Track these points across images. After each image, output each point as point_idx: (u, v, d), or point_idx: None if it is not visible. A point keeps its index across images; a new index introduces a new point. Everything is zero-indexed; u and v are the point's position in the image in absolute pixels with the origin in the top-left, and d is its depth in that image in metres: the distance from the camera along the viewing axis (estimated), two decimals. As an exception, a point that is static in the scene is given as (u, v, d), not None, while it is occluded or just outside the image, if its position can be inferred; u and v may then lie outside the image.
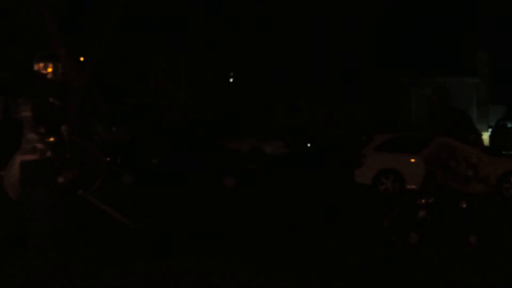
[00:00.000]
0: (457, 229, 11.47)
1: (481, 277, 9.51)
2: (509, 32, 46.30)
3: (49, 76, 9.82)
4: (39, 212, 9.59)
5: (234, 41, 41.31)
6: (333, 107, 44.01)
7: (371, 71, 44.65)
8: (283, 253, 11.63)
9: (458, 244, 11.22)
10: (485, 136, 46.83)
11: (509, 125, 46.70)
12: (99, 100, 37.92)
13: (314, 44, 42.97)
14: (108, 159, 25.65)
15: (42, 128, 9.52)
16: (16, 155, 9.98)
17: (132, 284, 9.19)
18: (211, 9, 32.82)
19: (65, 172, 9.70)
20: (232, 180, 23.42)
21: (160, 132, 33.87)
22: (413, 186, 23.41)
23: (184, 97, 47.44)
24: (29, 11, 15.14)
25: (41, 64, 9.83)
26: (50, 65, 9.86)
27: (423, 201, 11.39)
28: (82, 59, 15.62)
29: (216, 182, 23.35)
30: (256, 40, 41.28)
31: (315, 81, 43.65)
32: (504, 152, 29.95)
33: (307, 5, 36.72)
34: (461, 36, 47.81)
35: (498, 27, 46.36)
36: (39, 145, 9.56)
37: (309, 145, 36.88)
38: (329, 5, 36.03)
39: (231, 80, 50.01)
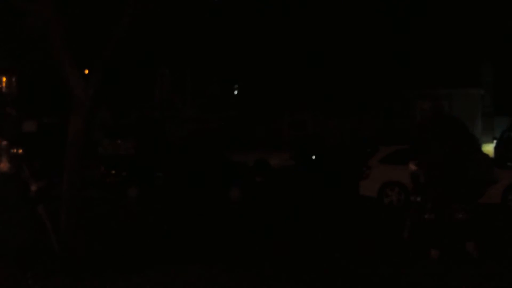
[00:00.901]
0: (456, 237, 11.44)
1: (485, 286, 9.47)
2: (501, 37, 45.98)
3: (4, 89, 9.87)
4: None
5: (240, 53, 41.32)
6: (338, 119, 43.97)
7: (377, 83, 44.65)
8: (288, 263, 11.62)
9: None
10: (490, 147, 46.76)
11: (515, 136, 46.59)
12: (104, 113, 37.94)
13: (319, 57, 42.97)
14: (113, 171, 25.73)
15: (3, 141, 9.64)
16: None
17: None
18: (216, 21, 32.83)
19: (35, 182, 9.75)
20: (237, 192, 23.39)
21: (166, 145, 33.91)
22: (418, 199, 23.39)
23: (189, 109, 47.46)
24: (33, 25, 15.11)
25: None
26: (4, 78, 9.91)
27: (427, 216, 11.38)
28: (86, 71, 15.58)
29: (222, 194, 23.32)
30: (261, 52, 41.30)
31: (321, 93, 43.69)
32: (509, 164, 29.91)
33: (311, 18, 36.78)
34: (466, 47, 47.78)
35: (503, 38, 45.95)
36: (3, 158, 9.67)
37: (314, 157, 36.89)
38: (333, 17, 36.09)
39: (236, 92, 50.03)
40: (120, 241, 14.04)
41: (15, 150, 8.64)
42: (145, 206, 21.47)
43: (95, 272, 10.60)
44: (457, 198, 11.48)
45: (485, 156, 11.46)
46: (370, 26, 39.90)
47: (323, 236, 14.34)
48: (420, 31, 44.22)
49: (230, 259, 12.15)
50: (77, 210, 14.79)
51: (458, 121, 11.63)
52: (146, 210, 20.22)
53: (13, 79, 9.44)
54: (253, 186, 24.11)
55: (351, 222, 17.43)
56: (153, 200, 22.92)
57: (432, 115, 11.37)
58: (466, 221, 11.15)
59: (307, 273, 10.77)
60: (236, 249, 13.23)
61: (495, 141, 49.12)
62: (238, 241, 14.14)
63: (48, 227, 10.15)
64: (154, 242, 14.03)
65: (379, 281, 10.54)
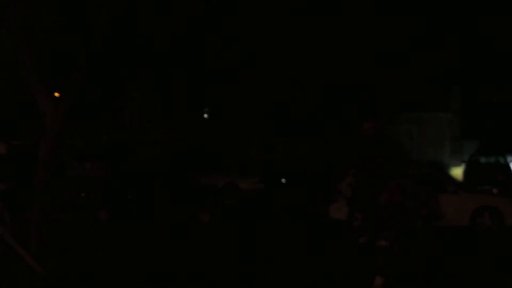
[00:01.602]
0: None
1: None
2: (480, 69, 46.31)
3: None
4: None
5: (209, 78, 41.38)
6: (308, 143, 44.03)
7: (348, 107, 44.78)
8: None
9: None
10: (459, 171, 46.99)
11: (482, 161, 46.92)
12: (74, 136, 37.85)
13: (290, 81, 42.96)
14: (83, 194, 25.67)
15: None
16: None
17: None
18: (187, 45, 32.79)
19: None
20: (207, 215, 23.42)
21: (136, 168, 33.86)
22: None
23: (159, 132, 47.43)
24: (5, 49, 15.11)
25: None
26: None
27: (382, 243, 11.15)
28: (57, 95, 15.55)
29: (192, 217, 23.33)
30: (230, 77, 41.35)
31: (291, 116, 43.74)
32: (478, 187, 30.09)
33: (281, 44, 36.74)
34: (435, 73, 48.09)
35: (470, 64, 46.29)
36: None
37: (283, 180, 36.88)
38: (308, 47, 36.09)
39: (205, 116, 50.05)
40: (88, 262, 14.03)
41: None
42: (115, 228, 21.46)
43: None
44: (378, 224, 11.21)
45: (421, 187, 11.00)
46: (348, 56, 39.99)
47: (293, 258, 14.27)
48: (394, 60, 44.45)
49: (195, 279, 12.19)
50: (46, 232, 14.78)
51: (395, 144, 11.39)
52: (116, 232, 20.20)
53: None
54: (222, 209, 24.11)
55: (315, 244, 17.43)
56: (123, 222, 22.90)
57: (371, 136, 11.25)
58: (386, 249, 10.85)
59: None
60: (202, 271, 13.26)
61: (463, 165, 49.39)
62: (205, 263, 14.17)
63: (14, 248, 10.10)
64: (123, 266, 14.02)
65: None
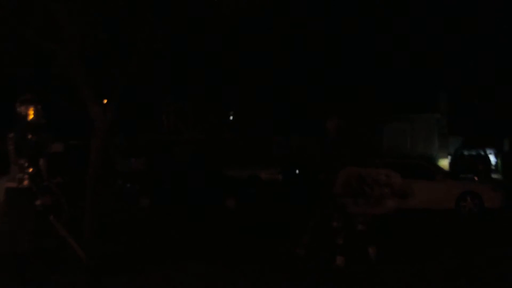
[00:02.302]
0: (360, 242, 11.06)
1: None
2: (464, 73, 46.15)
3: (29, 118, 9.82)
4: (20, 234, 9.62)
5: (234, 86, 41.31)
6: (318, 142, 43.85)
7: (351, 108, 44.62)
8: (273, 259, 11.60)
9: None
10: (446, 162, 46.85)
11: (465, 153, 46.85)
12: (120, 136, 37.86)
13: (297, 88, 42.71)
14: (128, 185, 25.70)
15: (22, 160, 9.59)
16: (1, 180, 10.11)
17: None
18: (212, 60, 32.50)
19: (41, 197, 9.71)
20: (233, 201, 23.43)
21: (171, 163, 33.86)
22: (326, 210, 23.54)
23: (191, 133, 47.38)
24: (61, 64, 15.13)
25: (23, 107, 9.83)
26: (31, 108, 9.86)
27: (335, 224, 10.99)
28: (105, 101, 15.58)
29: (220, 203, 23.36)
30: (252, 85, 41.23)
31: (302, 119, 43.55)
32: (462, 176, 30.02)
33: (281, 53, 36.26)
34: (425, 78, 47.98)
35: (457, 69, 46.20)
36: (18, 175, 9.62)
37: (297, 171, 36.80)
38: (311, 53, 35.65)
39: (231, 118, 50.00)
40: (135, 243, 14.04)
41: (31, 169, 8.62)
42: (156, 213, 21.48)
43: (115, 270, 10.59)
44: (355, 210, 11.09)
45: (380, 171, 10.79)
46: (350, 62, 39.71)
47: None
48: (388, 67, 44.27)
49: (227, 257, 12.16)
50: (98, 218, 14.84)
51: (359, 138, 11.21)
52: (157, 217, 20.21)
53: (40, 109, 9.40)
54: (245, 197, 24.06)
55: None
56: (162, 208, 22.93)
57: (336, 132, 11.09)
58: (365, 231, 10.75)
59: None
60: (232, 249, 13.23)
61: (449, 157, 49.25)
62: (234, 242, 14.14)
63: (64, 235, 10.11)
64: (164, 244, 14.03)
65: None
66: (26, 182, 9.73)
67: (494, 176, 41.96)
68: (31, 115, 9.94)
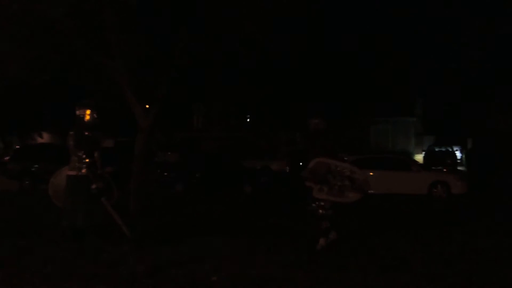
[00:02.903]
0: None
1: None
2: (436, 82, 46.10)
3: (86, 119, 9.97)
4: (80, 212, 9.70)
5: (250, 94, 41.21)
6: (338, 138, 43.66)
7: (344, 113, 44.51)
8: (282, 234, 11.53)
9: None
10: (420, 157, 46.83)
11: (436, 150, 46.87)
12: (158, 134, 37.92)
13: (302, 94, 42.51)
14: (165, 173, 25.71)
15: (80, 152, 9.70)
16: (64, 169, 10.17)
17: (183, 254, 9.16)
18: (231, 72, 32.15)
19: (96, 182, 9.77)
20: (249, 188, 23.43)
21: (200, 155, 33.88)
22: (372, 191, 23.51)
23: (216, 131, 47.42)
24: (110, 74, 15.13)
25: (81, 111, 9.98)
26: (88, 111, 10.00)
27: (320, 212, 10.74)
28: (147, 106, 15.57)
29: (239, 189, 23.39)
30: (265, 92, 41.14)
31: (303, 119, 43.38)
32: (433, 168, 29.92)
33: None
34: (404, 88, 47.94)
35: (429, 79, 46.18)
36: (77, 164, 9.73)
37: (301, 163, 36.76)
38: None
39: (248, 119, 50.03)
40: (171, 220, 14.02)
41: (87, 160, 8.70)
42: (187, 197, 21.49)
43: (155, 242, 10.57)
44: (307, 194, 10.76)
45: (347, 165, 10.55)
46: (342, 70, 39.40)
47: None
48: (373, 77, 44.12)
49: (245, 231, 12.12)
50: (141, 200, 14.83)
51: (329, 135, 10.96)
52: (188, 199, 20.21)
53: (94, 111, 9.47)
54: (260, 184, 24.06)
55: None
56: (193, 193, 22.96)
57: (313, 129, 10.94)
58: (325, 216, 10.53)
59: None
60: (249, 225, 13.20)
61: (423, 153, 49.34)
62: (251, 220, 14.11)
63: (112, 214, 10.15)
64: (194, 221, 14.01)
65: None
66: (83, 171, 9.82)
67: (459, 168, 41.76)
68: (87, 116, 10.04)
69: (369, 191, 10.39)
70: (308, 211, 10.58)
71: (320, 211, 10.36)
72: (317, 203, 10.40)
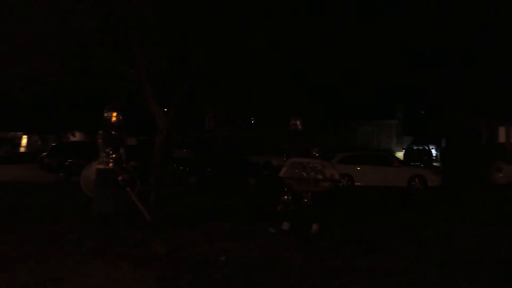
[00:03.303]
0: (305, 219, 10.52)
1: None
2: (415, 88, 46.02)
3: (113, 120, 10.02)
4: (108, 201, 9.78)
5: (255, 100, 41.02)
6: (312, 137, 43.44)
7: (335, 115, 44.43)
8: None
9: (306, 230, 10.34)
10: (401, 154, 46.81)
11: (414, 148, 46.92)
12: (175, 133, 37.91)
13: (299, 98, 42.08)
14: (181, 168, 25.72)
15: (107, 149, 9.76)
16: (93, 164, 10.22)
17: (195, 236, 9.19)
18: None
19: (121, 175, 9.81)
20: (253, 180, 23.42)
21: (211, 152, 33.92)
22: (359, 183, 23.54)
23: (225, 131, 47.43)
24: (128, 76, 15.18)
25: (109, 113, 10.03)
26: (114, 113, 10.06)
27: (285, 198, 10.78)
28: (165, 109, 15.60)
29: (244, 181, 23.38)
30: (265, 99, 40.91)
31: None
32: (411, 163, 29.99)
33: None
34: (387, 94, 47.98)
35: (410, 85, 46.07)
36: (105, 159, 9.78)
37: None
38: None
39: (252, 121, 49.99)
40: (185, 208, 14.03)
41: (114, 156, 8.74)
42: (200, 188, 21.49)
43: (171, 225, 10.59)
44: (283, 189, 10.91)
45: (318, 161, 10.52)
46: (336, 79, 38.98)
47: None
48: (358, 85, 43.97)
49: (249, 217, 12.12)
50: (160, 191, 14.84)
51: (305, 136, 10.91)
52: (200, 190, 20.21)
53: (120, 113, 9.49)
54: (262, 176, 24.06)
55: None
56: (205, 184, 22.97)
57: (292, 130, 10.92)
58: (311, 204, 10.50)
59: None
60: (253, 212, 13.19)
61: (403, 150, 49.36)
62: (254, 208, 14.09)
63: (136, 202, 10.18)
64: (205, 208, 14.01)
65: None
66: (111, 165, 9.84)
67: (434, 164, 41.76)
68: (114, 117, 10.08)
69: (338, 181, 10.36)
70: (283, 202, 10.59)
71: (305, 200, 10.41)
72: (303, 194, 10.43)
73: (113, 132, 10.03)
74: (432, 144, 51.42)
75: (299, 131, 10.72)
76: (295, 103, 41.15)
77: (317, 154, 10.48)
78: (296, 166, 10.27)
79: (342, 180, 10.15)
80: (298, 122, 10.77)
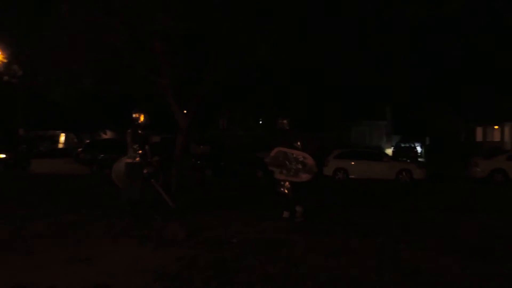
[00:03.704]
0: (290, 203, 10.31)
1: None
2: (395, 92, 45.67)
3: (140, 120, 10.06)
4: (135, 190, 9.77)
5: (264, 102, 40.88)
6: (313, 136, 43.09)
7: (334, 117, 44.29)
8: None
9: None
10: (390, 151, 46.73)
11: (402, 145, 46.80)
12: (194, 132, 38.01)
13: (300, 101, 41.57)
14: (198, 162, 25.76)
15: (135, 145, 9.79)
16: (123, 158, 10.26)
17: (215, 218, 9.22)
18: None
19: (147, 168, 9.84)
20: (261, 173, 23.40)
21: (224, 149, 33.95)
22: (353, 176, 23.52)
23: (237, 130, 47.47)
24: (157, 88, 15.25)
25: (137, 114, 10.07)
26: (142, 115, 10.10)
27: (281, 190, 10.43)
28: (185, 111, 15.63)
29: (252, 174, 23.37)
30: (273, 102, 40.78)
31: (302, 120, 42.84)
32: (399, 159, 29.89)
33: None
34: (378, 97, 47.68)
35: (396, 90, 45.64)
36: (133, 154, 9.82)
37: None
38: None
39: (260, 122, 50.01)
40: (202, 196, 14.06)
41: (140, 151, 8.75)
42: (215, 179, 21.54)
43: (189, 211, 10.62)
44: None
45: (300, 153, 10.36)
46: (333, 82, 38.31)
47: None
48: (355, 89, 43.69)
49: (258, 205, 12.12)
50: (181, 181, 14.88)
51: (290, 132, 10.70)
52: (215, 181, 20.25)
53: (146, 115, 9.58)
54: (268, 170, 24.04)
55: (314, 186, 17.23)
56: (219, 176, 23.00)
57: (279, 128, 10.78)
58: (286, 194, 10.16)
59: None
60: (260, 201, 13.19)
61: (392, 148, 49.27)
62: (261, 197, 14.10)
63: (159, 191, 10.21)
64: (220, 197, 14.04)
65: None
66: (138, 159, 9.87)
67: (419, 159, 41.66)
68: (141, 118, 10.11)
69: (315, 172, 10.13)
70: (275, 191, 10.50)
71: (282, 189, 10.31)
72: (281, 183, 10.34)
73: (139, 131, 10.08)
74: (417, 142, 51.33)
75: (286, 129, 10.59)
76: (298, 105, 41.29)
77: (300, 146, 10.31)
78: (281, 155, 10.17)
79: (318, 172, 9.86)
80: (285, 122, 10.65)
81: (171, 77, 14.66)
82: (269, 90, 35.44)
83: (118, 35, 12.89)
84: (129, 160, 10.02)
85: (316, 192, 15.02)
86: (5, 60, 42.61)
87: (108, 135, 48.15)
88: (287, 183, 10.17)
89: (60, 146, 47.70)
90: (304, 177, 10.03)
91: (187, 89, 15.64)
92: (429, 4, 12.57)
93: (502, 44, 29.88)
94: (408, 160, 31.28)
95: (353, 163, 24.07)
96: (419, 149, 49.58)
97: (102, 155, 25.63)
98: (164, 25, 12.51)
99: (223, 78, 15.79)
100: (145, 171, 9.92)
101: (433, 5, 12.64)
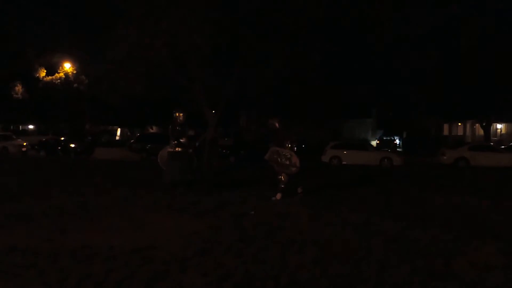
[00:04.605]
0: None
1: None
2: (386, 94, 44.88)
3: (180, 118, 10.06)
4: (175, 172, 9.86)
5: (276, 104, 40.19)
6: (314, 130, 42.46)
7: (330, 115, 43.74)
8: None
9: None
10: (374, 143, 46.37)
11: (384, 138, 46.53)
12: (220, 127, 38.04)
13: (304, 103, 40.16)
14: (224, 151, 25.73)
15: (174, 137, 9.84)
16: (166, 147, 10.30)
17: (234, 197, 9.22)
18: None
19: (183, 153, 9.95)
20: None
21: (244, 142, 33.92)
22: (345, 163, 23.39)
23: (254, 127, 47.35)
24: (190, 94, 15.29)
25: (177, 114, 10.09)
26: (181, 114, 10.10)
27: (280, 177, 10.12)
28: (213, 111, 15.64)
29: (267, 161, 23.21)
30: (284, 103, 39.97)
31: (306, 120, 42.02)
32: (382, 149, 29.71)
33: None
34: (364, 99, 46.04)
35: (380, 92, 44.49)
36: (174, 145, 9.88)
37: (303, 146, 36.51)
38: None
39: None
40: (228, 178, 14.07)
41: (175, 142, 8.83)
42: (237, 165, 21.52)
43: (217, 190, 10.63)
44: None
45: (288, 151, 9.85)
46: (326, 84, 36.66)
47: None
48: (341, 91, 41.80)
49: (272, 185, 12.09)
50: (210, 166, 14.90)
51: (281, 131, 10.48)
52: (238, 167, 20.24)
53: (184, 114, 9.64)
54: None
55: (314, 170, 17.16)
56: (240, 162, 22.97)
57: (270, 127, 10.58)
58: (285, 181, 9.85)
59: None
60: (273, 182, 13.18)
61: (376, 140, 48.92)
62: (275, 179, 14.06)
63: (193, 174, 10.30)
64: (241, 179, 14.03)
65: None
66: (177, 149, 9.91)
67: (398, 149, 41.36)
68: (180, 117, 10.13)
69: (298, 167, 9.88)
70: (279, 180, 10.26)
71: (279, 177, 10.11)
72: (279, 175, 10.14)
73: (178, 127, 10.11)
74: (396, 136, 50.92)
75: (276, 129, 10.37)
76: (301, 107, 40.92)
77: (289, 145, 10.13)
78: (275, 153, 10.08)
79: (299, 167, 9.56)
80: (275, 122, 10.43)
81: (203, 85, 14.71)
82: (281, 95, 34.95)
83: (160, 52, 12.98)
84: (171, 149, 10.10)
85: (315, 176, 14.96)
86: (75, 72, 43.07)
87: (154, 129, 48.43)
88: (282, 174, 10.07)
89: (117, 138, 48.19)
90: (294, 170, 9.90)
91: (215, 94, 15.66)
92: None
93: (469, 51, 29.00)
94: (389, 150, 31.06)
95: (345, 152, 23.94)
96: (398, 141, 49.26)
97: (149, 145, 25.79)
98: (197, 44, 12.54)
99: (243, 85, 15.78)
100: (175, 149, 9.92)
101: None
